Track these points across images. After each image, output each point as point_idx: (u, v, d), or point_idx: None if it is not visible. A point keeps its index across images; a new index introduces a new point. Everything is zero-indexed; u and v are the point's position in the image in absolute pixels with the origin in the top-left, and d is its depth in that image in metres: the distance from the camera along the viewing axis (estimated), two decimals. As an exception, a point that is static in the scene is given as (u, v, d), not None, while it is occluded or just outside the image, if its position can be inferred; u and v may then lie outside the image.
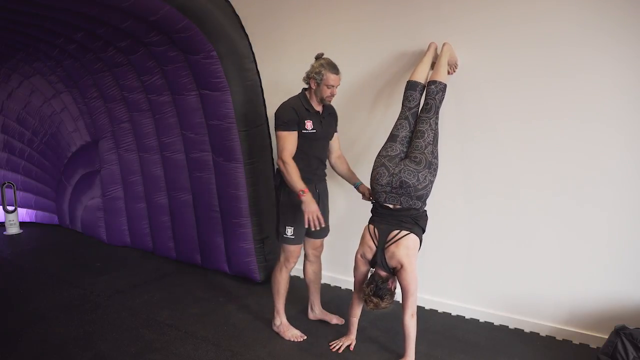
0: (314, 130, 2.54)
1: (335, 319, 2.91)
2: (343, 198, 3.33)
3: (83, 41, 3.63)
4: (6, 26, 3.57)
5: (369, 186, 2.57)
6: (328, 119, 2.66)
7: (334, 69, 2.49)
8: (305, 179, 2.48)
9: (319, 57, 2.55)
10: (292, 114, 2.49)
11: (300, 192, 2.40)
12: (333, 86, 2.50)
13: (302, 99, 2.56)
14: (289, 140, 2.48)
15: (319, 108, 2.58)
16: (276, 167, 2.67)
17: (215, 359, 2.48)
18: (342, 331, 2.74)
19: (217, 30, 3.06)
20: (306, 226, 2.43)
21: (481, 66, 2.69)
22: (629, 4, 2.28)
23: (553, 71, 2.50)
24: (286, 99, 2.59)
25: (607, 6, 2.32)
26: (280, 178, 2.59)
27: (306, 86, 2.60)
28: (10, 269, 3.94)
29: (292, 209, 2.57)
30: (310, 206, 2.39)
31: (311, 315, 2.96)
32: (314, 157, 2.60)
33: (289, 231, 2.60)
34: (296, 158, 2.51)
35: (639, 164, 2.39)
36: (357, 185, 2.78)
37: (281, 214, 2.62)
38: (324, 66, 2.47)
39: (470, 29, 2.68)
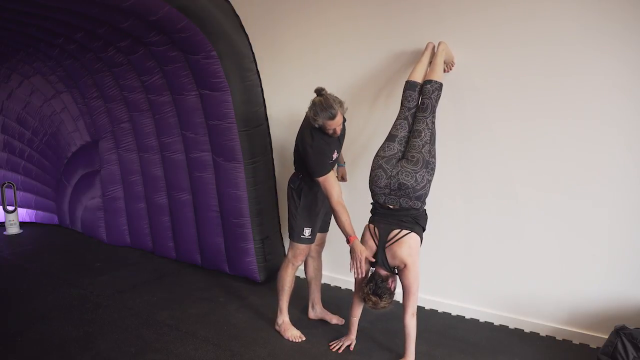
0: (336, 157, 2.56)
1: (335, 319, 2.92)
2: (343, 198, 3.32)
3: (83, 41, 3.63)
4: (6, 26, 3.57)
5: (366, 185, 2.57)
6: (342, 133, 2.60)
7: (328, 113, 2.31)
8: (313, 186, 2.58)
9: (318, 92, 2.37)
10: (324, 157, 2.45)
11: (350, 237, 2.37)
12: (334, 127, 2.38)
13: (319, 131, 2.44)
14: (331, 182, 2.44)
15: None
16: (293, 170, 2.72)
17: (215, 359, 2.48)
18: (342, 331, 2.74)
19: (217, 30, 3.06)
20: (351, 271, 2.40)
21: (480, 65, 2.69)
22: (629, 3, 2.28)
23: (552, 71, 2.50)
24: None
25: (607, 5, 2.32)
26: (298, 181, 2.65)
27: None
28: (10, 269, 3.94)
29: (310, 211, 2.66)
30: (358, 252, 2.34)
31: (312, 314, 2.97)
32: None
33: (307, 232, 2.67)
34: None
35: (638, 164, 2.40)
36: (339, 166, 2.89)
37: (300, 216, 2.66)
38: (318, 114, 2.32)
39: (469, 28, 2.68)
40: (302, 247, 2.70)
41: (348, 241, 2.39)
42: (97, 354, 2.51)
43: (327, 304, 3.03)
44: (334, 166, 2.61)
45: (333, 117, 2.33)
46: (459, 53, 2.71)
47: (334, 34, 3.15)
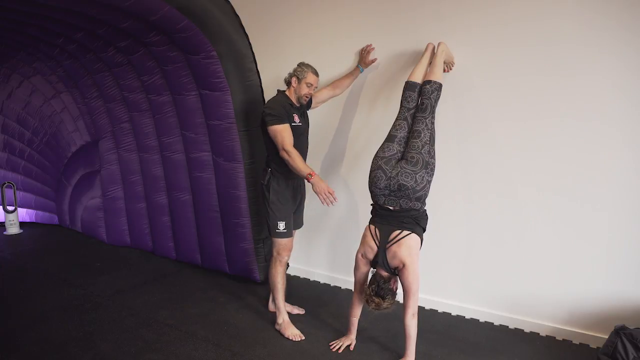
0: (300, 124, 2.74)
1: (296, 310, 3.01)
2: (343, 198, 3.33)
3: (83, 41, 3.63)
4: (6, 26, 3.57)
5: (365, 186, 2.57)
6: (305, 115, 2.86)
7: (314, 69, 2.74)
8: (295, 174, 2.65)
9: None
10: (282, 108, 2.65)
11: (309, 176, 2.52)
12: (312, 85, 2.71)
13: (283, 97, 2.73)
14: (287, 132, 2.61)
15: (298, 104, 2.77)
16: (264, 166, 2.80)
17: (215, 359, 2.48)
18: (342, 331, 2.74)
19: (217, 30, 3.06)
20: (323, 204, 2.53)
21: (479, 65, 2.69)
22: (629, 3, 2.28)
23: (552, 70, 2.50)
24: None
25: (607, 5, 2.32)
26: (268, 177, 2.74)
27: (282, 89, 2.78)
28: (10, 269, 3.94)
29: (281, 205, 2.74)
30: (320, 185, 2.50)
31: (271, 307, 3.02)
32: (301, 151, 2.74)
33: (281, 225, 2.74)
34: None
35: (639, 164, 2.40)
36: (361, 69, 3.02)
37: (272, 211, 2.75)
38: (307, 67, 2.73)
39: (469, 27, 2.68)
40: (282, 242, 2.77)
41: (308, 179, 2.51)
42: (97, 354, 2.51)
43: (327, 304, 3.03)
44: (298, 135, 2.70)
45: (317, 73, 2.74)
46: (458, 53, 2.71)
47: (333, 34, 3.15)
